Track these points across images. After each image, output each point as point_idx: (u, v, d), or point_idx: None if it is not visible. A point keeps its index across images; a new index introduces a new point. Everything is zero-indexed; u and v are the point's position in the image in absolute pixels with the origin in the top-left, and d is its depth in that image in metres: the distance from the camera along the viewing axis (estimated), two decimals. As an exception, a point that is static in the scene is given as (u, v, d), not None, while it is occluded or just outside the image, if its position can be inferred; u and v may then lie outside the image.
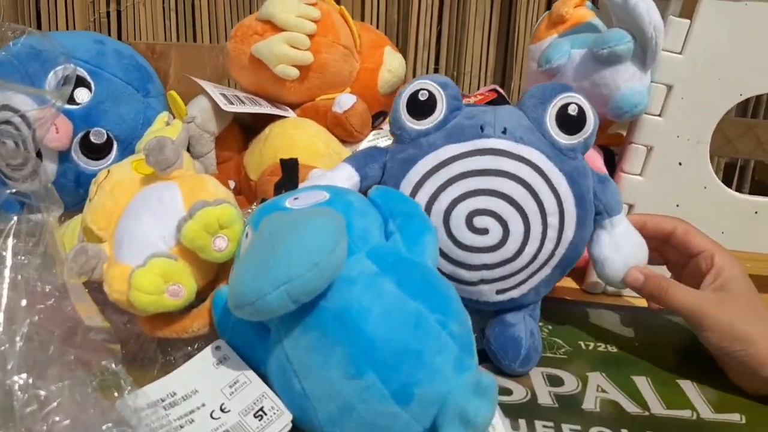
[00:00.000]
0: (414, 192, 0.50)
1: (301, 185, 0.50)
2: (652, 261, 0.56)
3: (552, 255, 0.51)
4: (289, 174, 0.49)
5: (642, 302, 0.65)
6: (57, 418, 0.36)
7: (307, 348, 0.39)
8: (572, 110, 0.50)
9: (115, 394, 0.37)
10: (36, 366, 0.36)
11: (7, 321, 0.38)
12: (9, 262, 0.40)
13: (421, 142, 0.51)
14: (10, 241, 0.40)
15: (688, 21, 0.59)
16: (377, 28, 1.63)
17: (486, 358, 0.53)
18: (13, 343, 0.36)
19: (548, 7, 1.54)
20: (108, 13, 1.69)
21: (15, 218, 0.41)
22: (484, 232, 0.49)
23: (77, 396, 0.36)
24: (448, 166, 0.49)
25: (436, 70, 1.69)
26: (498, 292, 0.51)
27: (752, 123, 0.87)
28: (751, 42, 0.58)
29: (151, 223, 0.46)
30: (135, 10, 1.69)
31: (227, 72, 0.69)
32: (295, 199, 0.44)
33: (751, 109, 1.50)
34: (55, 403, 0.36)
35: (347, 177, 0.51)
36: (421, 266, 0.43)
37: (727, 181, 1.48)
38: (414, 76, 1.64)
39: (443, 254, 0.50)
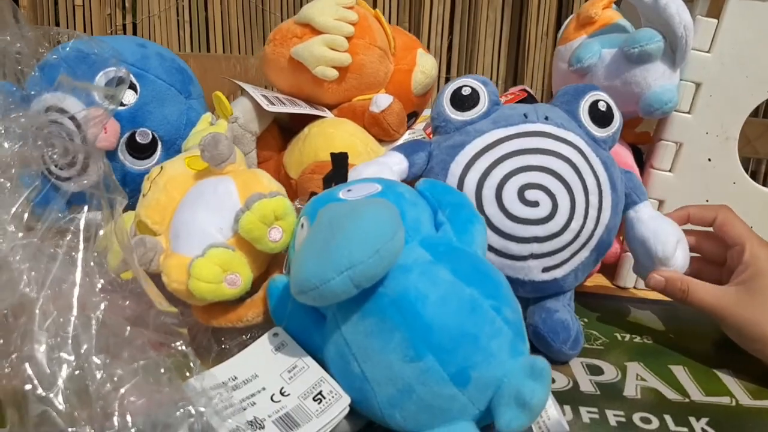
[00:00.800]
0: (465, 172, 0.52)
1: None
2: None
3: (591, 235, 0.53)
4: (339, 167, 0.51)
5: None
6: (132, 398, 0.37)
7: (365, 333, 0.40)
8: (602, 106, 0.55)
9: (187, 374, 0.38)
10: (110, 348, 0.37)
11: (80, 307, 0.39)
12: (81, 251, 0.41)
13: (467, 129, 0.54)
14: (82, 232, 0.42)
15: (716, 20, 0.60)
16: (390, 36, 1.65)
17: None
18: (88, 327, 0.38)
19: (558, 14, 1.57)
20: (124, 26, 1.72)
21: (86, 208, 0.42)
22: (535, 204, 0.50)
23: (150, 377, 0.37)
24: (498, 146, 0.52)
25: (447, 78, 1.70)
26: (544, 269, 0.53)
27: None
28: (779, 39, 0.60)
29: (208, 215, 0.48)
30: (150, 23, 1.72)
31: (253, 78, 0.71)
32: (348, 191, 0.46)
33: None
34: (129, 384, 0.37)
35: (397, 162, 0.53)
36: (472, 255, 0.44)
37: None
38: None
39: (495, 228, 0.51)
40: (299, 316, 0.45)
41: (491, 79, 1.68)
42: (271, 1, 1.67)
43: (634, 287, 0.68)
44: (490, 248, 0.51)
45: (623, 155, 0.64)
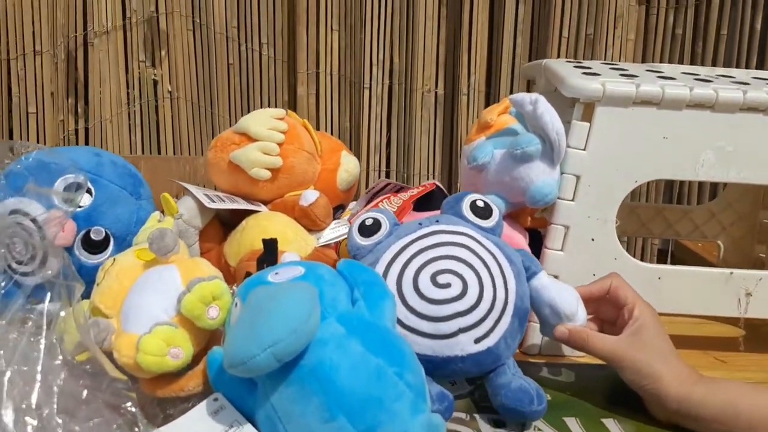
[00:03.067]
0: (384, 277, 0.60)
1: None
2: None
3: (506, 302, 0.60)
4: (270, 251, 0.59)
5: (573, 360, 0.75)
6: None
7: (289, 399, 0.47)
8: (479, 203, 0.66)
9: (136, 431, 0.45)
10: (69, 410, 0.44)
11: (43, 377, 0.46)
12: (43, 333, 0.48)
13: (377, 248, 0.63)
14: (45, 317, 0.49)
15: (588, 124, 0.72)
16: (331, 134, 1.76)
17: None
18: (50, 394, 0.45)
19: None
20: (76, 130, 1.78)
21: (48, 297, 0.50)
22: (447, 285, 0.59)
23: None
24: (404, 252, 0.61)
25: (387, 173, 1.80)
26: (476, 341, 0.59)
27: (661, 207, 1.01)
28: (639, 138, 0.72)
29: (154, 298, 0.55)
30: (102, 127, 1.78)
31: (202, 178, 0.80)
32: (276, 273, 0.54)
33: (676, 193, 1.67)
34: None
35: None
36: (381, 328, 0.52)
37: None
38: (368, 178, 1.77)
39: (421, 315, 0.58)
40: (234, 384, 0.52)
41: (428, 172, 1.79)
42: (219, 105, 1.77)
43: (539, 353, 0.76)
44: (423, 334, 0.58)
45: (516, 239, 0.74)
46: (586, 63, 0.82)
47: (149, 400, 0.56)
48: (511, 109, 0.81)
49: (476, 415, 0.62)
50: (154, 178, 0.82)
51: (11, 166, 0.67)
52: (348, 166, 0.80)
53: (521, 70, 1.63)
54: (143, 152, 1.83)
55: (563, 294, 0.64)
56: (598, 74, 0.74)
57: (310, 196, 0.73)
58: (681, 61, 1.61)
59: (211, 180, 0.79)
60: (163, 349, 0.52)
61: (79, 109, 1.79)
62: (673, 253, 1.61)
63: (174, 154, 1.83)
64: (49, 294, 0.51)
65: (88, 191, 0.69)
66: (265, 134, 0.73)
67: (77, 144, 1.75)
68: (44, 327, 0.49)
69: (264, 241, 0.58)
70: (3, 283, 0.60)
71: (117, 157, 0.74)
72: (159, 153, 1.83)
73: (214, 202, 0.71)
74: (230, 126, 0.75)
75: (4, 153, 0.67)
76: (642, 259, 1.65)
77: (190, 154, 1.85)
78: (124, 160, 0.74)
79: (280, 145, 0.74)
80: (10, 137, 1.73)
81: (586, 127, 0.72)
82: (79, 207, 0.68)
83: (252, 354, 0.45)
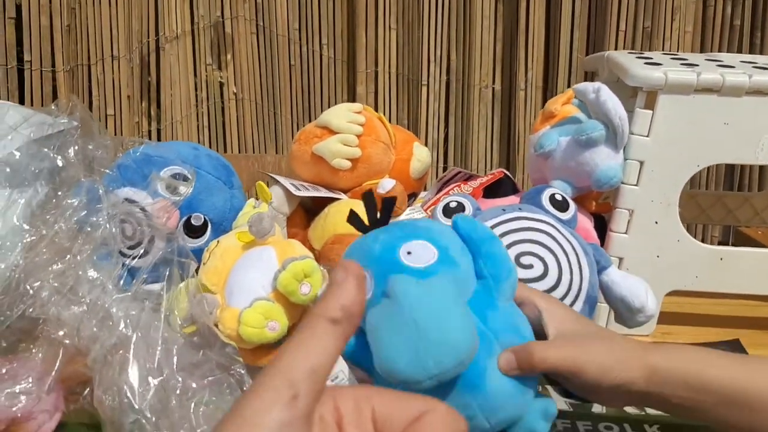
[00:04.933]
0: None
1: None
2: None
3: (580, 289, 0.64)
4: (387, 209, 0.53)
5: (638, 338, 0.79)
6: (202, 408, 0.50)
7: (429, 391, 0.44)
8: (558, 197, 0.70)
9: (244, 389, 0.51)
10: (187, 368, 0.51)
11: (163, 343, 0.53)
12: (163, 304, 0.55)
13: None
14: (164, 290, 0.56)
15: (651, 111, 0.75)
16: (391, 131, 1.80)
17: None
18: (170, 356, 0.52)
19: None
20: (149, 131, 1.88)
21: (166, 272, 0.57)
22: (530, 267, 0.62)
23: (216, 390, 0.51)
24: None
25: (445, 167, 1.84)
26: None
27: (721, 194, 1.03)
28: (700, 124, 0.75)
29: (254, 276, 0.62)
30: (173, 128, 1.87)
31: (290, 168, 0.87)
32: (409, 253, 0.49)
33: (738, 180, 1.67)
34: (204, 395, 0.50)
35: None
36: (510, 314, 0.50)
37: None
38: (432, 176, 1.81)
39: None
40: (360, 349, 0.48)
41: (485, 167, 1.82)
42: (282, 106, 1.84)
43: (604, 331, 0.80)
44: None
45: (582, 221, 0.77)
46: (647, 54, 0.85)
47: (249, 369, 0.62)
48: (573, 100, 0.85)
49: (548, 387, 0.67)
50: None
51: (122, 159, 0.75)
52: (420, 156, 0.86)
53: (582, 62, 1.65)
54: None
55: (632, 288, 0.67)
56: (660, 64, 0.77)
57: (387, 184, 0.79)
58: (739, 52, 1.61)
59: (295, 171, 0.85)
60: (261, 322, 0.58)
61: (152, 112, 1.88)
62: (733, 244, 1.62)
63: (239, 152, 1.90)
64: (167, 271, 0.58)
65: (188, 181, 0.76)
66: (345, 127, 0.79)
67: (150, 144, 1.84)
68: (163, 300, 0.56)
69: (384, 199, 0.53)
70: (120, 265, 0.67)
71: (211, 151, 0.81)
72: (225, 152, 1.90)
73: (300, 190, 0.77)
74: (292, 125, 0.81)
75: (116, 148, 0.74)
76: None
77: (254, 153, 1.92)
78: (218, 154, 0.81)
79: (358, 136, 0.80)
80: (91, 139, 1.83)
81: (649, 115, 0.75)
82: (180, 195, 0.75)
83: (417, 380, 0.43)
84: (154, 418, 0.51)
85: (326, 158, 0.79)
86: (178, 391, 0.51)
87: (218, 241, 0.67)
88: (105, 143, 0.73)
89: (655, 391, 0.48)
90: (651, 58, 0.81)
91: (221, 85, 1.88)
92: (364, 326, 0.47)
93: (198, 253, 0.75)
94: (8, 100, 1.70)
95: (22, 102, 1.73)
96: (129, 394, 0.52)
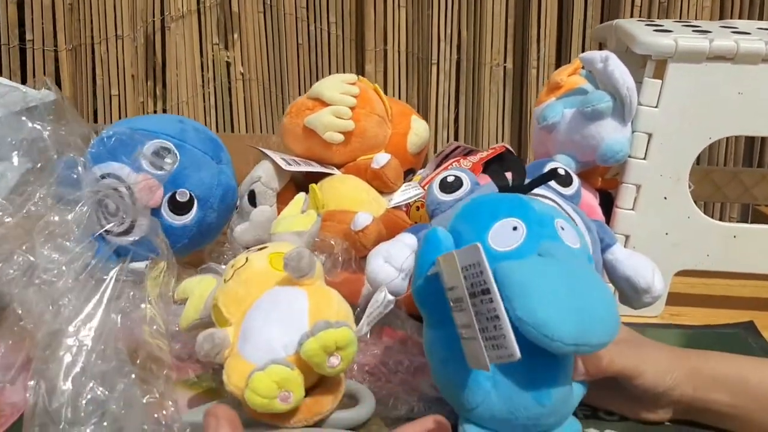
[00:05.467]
0: None
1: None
2: None
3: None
4: (518, 169, 0.56)
5: (645, 320, 0.75)
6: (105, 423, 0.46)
7: None
8: (561, 171, 0.65)
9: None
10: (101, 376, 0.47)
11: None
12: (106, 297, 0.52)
13: (458, 204, 0.61)
14: (113, 280, 0.52)
15: (660, 81, 0.71)
16: (401, 110, 1.76)
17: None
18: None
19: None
20: (155, 112, 1.85)
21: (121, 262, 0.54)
22: None
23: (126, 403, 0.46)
24: None
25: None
26: None
27: (738, 171, 0.99)
28: (713, 94, 0.71)
29: (277, 330, 0.52)
30: (179, 109, 1.85)
31: (283, 144, 0.84)
32: (562, 228, 0.51)
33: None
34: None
35: (408, 239, 0.59)
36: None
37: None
38: (435, 153, 1.77)
39: None
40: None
41: (496, 146, 1.78)
42: (290, 85, 1.81)
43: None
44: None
45: (587, 197, 0.74)
46: (657, 21, 0.81)
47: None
48: (581, 71, 0.81)
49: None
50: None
51: (102, 133, 0.72)
52: (418, 130, 0.82)
53: (593, 32, 1.60)
54: (217, 131, 1.89)
55: (638, 268, 0.63)
56: (670, 31, 0.73)
57: (381, 158, 0.76)
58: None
59: (287, 145, 0.82)
60: (273, 392, 0.49)
61: (158, 92, 1.85)
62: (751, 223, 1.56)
63: (246, 132, 1.88)
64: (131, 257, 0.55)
65: (174, 155, 0.73)
66: (338, 98, 0.76)
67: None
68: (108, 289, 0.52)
69: (510, 159, 0.56)
70: (98, 245, 0.65)
71: (199, 124, 0.78)
72: (232, 132, 1.88)
73: (290, 165, 0.74)
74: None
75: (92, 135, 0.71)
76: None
77: (261, 133, 1.89)
78: (205, 127, 0.78)
79: (352, 109, 0.77)
80: (95, 119, 1.81)
81: (659, 84, 0.71)
82: (165, 170, 0.72)
83: (568, 343, 0.42)
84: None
85: (318, 131, 0.76)
86: (84, 401, 0.46)
87: (247, 260, 0.58)
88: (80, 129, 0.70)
89: (699, 397, 0.50)
90: (661, 26, 0.77)
91: (228, 64, 1.85)
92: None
93: (183, 231, 0.73)
94: (11, 79, 1.68)
95: (24, 82, 1.71)
96: (45, 394, 0.46)
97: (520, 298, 0.43)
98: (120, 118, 1.80)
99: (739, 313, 0.77)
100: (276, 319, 0.53)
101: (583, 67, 0.80)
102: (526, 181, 0.58)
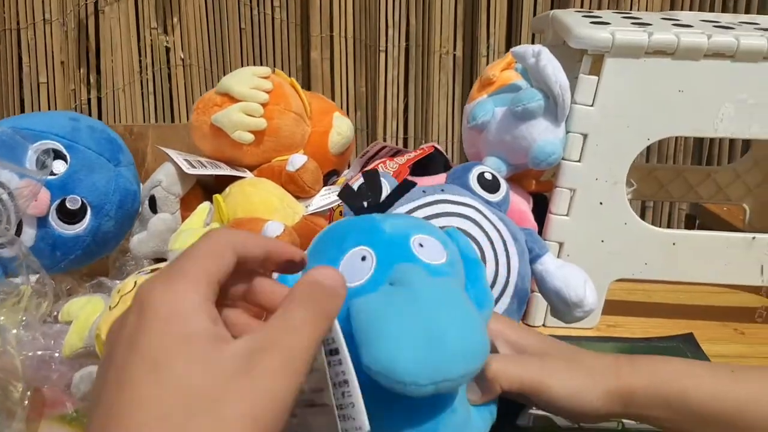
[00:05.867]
0: None
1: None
2: None
3: (507, 282, 0.56)
4: (372, 185, 0.51)
5: (579, 332, 0.70)
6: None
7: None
8: (488, 176, 0.61)
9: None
10: None
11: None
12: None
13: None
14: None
15: (596, 77, 0.66)
16: (347, 100, 1.72)
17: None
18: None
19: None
20: (89, 100, 1.77)
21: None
22: None
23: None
24: None
25: (405, 140, 1.76)
26: None
27: (682, 168, 0.95)
28: (652, 92, 0.66)
29: None
30: (115, 96, 1.77)
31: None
32: (421, 246, 0.44)
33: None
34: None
35: None
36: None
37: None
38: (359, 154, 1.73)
39: None
40: None
41: (446, 137, 1.75)
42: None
43: (543, 325, 0.72)
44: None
45: (517, 203, 0.69)
46: (596, 12, 0.76)
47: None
48: (516, 65, 0.76)
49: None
50: (163, 146, 0.78)
51: (-18, 133, 0.64)
52: (340, 129, 0.75)
53: (532, 22, 1.56)
54: (156, 121, 1.82)
55: (569, 280, 0.59)
56: (608, 23, 0.68)
57: (297, 160, 0.69)
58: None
59: (195, 144, 0.75)
60: None
61: (92, 79, 1.78)
62: (699, 222, 1.55)
63: (188, 121, 1.81)
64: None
65: (63, 158, 0.65)
66: (248, 94, 0.69)
67: (90, 114, 1.75)
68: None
69: (364, 175, 0.49)
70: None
71: (96, 121, 0.71)
72: (173, 121, 1.83)
73: (194, 167, 0.67)
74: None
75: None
76: (669, 226, 1.59)
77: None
78: (103, 125, 0.71)
79: (264, 105, 0.70)
80: (22, 108, 1.73)
81: (594, 81, 0.66)
82: (53, 174, 0.65)
83: (420, 383, 0.37)
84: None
85: (226, 130, 0.69)
86: None
87: (135, 283, 0.52)
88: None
89: (633, 413, 0.46)
90: (599, 17, 0.71)
91: (167, 50, 1.80)
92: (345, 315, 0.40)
93: (75, 242, 0.66)
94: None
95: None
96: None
97: (365, 343, 0.38)
98: (49, 106, 1.72)
99: (679, 323, 0.73)
100: None
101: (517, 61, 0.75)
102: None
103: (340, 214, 0.71)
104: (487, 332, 0.40)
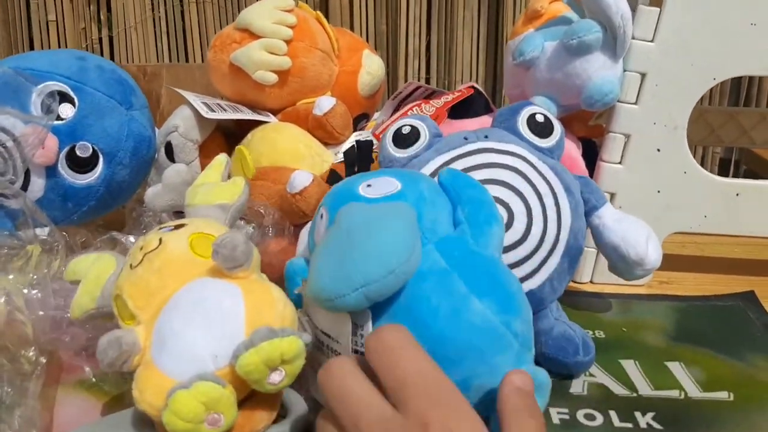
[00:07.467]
0: None
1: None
2: None
3: (557, 240, 0.51)
4: (364, 153, 0.49)
5: (629, 290, 0.65)
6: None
7: None
8: (539, 118, 0.55)
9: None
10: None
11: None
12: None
13: (413, 163, 0.53)
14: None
15: (658, 9, 0.60)
16: (367, 39, 1.66)
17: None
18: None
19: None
20: (100, 39, 1.72)
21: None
22: None
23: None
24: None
25: (427, 80, 1.71)
26: None
27: (735, 111, 0.88)
28: (720, 27, 0.60)
29: (205, 335, 0.40)
30: (127, 35, 1.72)
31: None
32: (368, 186, 0.44)
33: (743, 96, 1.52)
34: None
35: None
36: (488, 261, 0.43)
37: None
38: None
39: None
40: None
41: (470, 79, 1.69)
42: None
43: (591, 281, 0.67)
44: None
45: (569, 148, 0.63)
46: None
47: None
48: (563, -4, 0.69)
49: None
50: (178, 88, 0.72)
51: (-19, 74, 0.59)
52: (371, 68, 0.69)
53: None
54: (170, 60, 1.77)
55: (629, 236, 0.54)
56: (673, -54, 0.60)
57: (325, 103, 0.63)
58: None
59: (214, 85, 0.69)
60: (200, 415, 0.38)
61: (102, 17, 1.73)
62: (740, 164, 1.47)
63: (202, 61, 1.76)
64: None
65: (71, 101, 0.60)
66: (270, 29, 0.62)
67: (101, 54, 1.69)
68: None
69: (358, 142, 0.49)
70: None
71: (105, 60, 0.65)
72: (186, 61, 1.78)
73: (213, 111, 0.62)
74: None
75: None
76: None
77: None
78: (113, 64, 0.65)
79: (288, 42, 0.63)
80: (31, 47, 1.67)
81: (656, 13, 0.60)
82: (61, 120, 0.59)
83: (341, 293, 0.38)
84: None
85: (247, 70, 0.63)
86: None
87: (161, 241, 0.45)
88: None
89: None
90: (661, -60, 0.64)
91: (181, -15, 1.72)
92: None
93: (87, 192, 0.61)
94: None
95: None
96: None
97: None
98: (59, 46, 1.67)
99: (737, 279, 0.68)
100: (201, 320, 0.41)
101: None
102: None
103: (372, 162, 0.66)
104: (407, 230, 0.40)
